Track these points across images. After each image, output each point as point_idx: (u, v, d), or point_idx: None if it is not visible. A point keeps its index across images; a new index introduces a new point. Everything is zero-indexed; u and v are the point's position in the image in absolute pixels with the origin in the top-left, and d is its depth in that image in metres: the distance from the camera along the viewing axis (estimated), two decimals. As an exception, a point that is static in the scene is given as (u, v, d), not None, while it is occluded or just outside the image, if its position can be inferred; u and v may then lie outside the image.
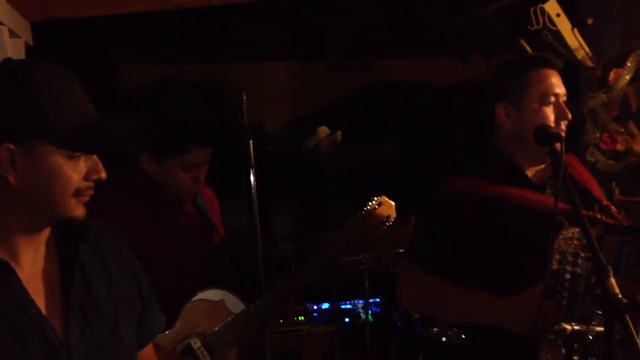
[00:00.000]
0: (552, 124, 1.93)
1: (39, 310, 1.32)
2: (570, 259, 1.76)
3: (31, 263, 1.35)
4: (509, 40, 3.47)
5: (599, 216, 1.91)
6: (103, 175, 1.35)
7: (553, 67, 1.98)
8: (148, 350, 1.60)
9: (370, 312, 3.69)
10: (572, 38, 3.36)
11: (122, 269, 1.49)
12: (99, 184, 1.37)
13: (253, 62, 5.26)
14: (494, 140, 2.04)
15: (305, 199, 4.54)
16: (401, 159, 4.87)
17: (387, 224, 2.43)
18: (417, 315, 3.50)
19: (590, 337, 1.58)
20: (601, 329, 1.57)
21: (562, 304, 1.73)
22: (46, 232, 1.37)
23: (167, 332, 2.20)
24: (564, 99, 1.97)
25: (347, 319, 3.91)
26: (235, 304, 2.32)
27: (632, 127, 3.40)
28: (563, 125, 1.95)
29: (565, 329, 1.60)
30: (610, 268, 1.49)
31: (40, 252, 1.37)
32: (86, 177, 1.33)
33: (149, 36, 4.59)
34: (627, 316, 1.46)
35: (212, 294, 2.30)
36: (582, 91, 3.41)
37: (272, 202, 4.59)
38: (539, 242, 1.77)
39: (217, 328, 2.27)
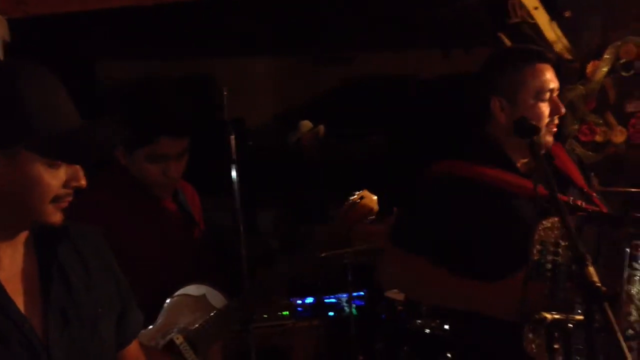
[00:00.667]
0: (547, 119, 1.96)
1: (18, 310, 1.31)
2: (551, 248, 1.78)
3: (10, 263, 1.35)
4: (488, 33, 3.49)
5: (580, 203, 1.94)
6: (83, 183, 1.34)
7: (548, 61, 2.00)
8: (134, 349, 1.60)
9: (354, 305, 3.71)
10: (550, 31, 3.39)
11: (101, 269, 1.49)
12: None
13: (235, 58, 5.25)
14: (486, 130, 2.06)
15: (289, 194, 4.54)
16: (385, 152, 4.89)
17: (370, 217, 2.44)
18: (400, 308, 3.53)
19: (571, 325, 1.60)
20: (581, 317, 1.59)
21: (544, 293, 1.75)
22: (25, 233, 1.37)
23: (149, 327, 2.19)
24: (557, 93, 2.00)
25: (331, 313, 3.92)
26: (217, 299, 2.32)
27: (611, 118, 3.44)
28: (556, 119, 1.99)
29: (546, 317, 1.61)
30: (588, 257, 1.52)
31: (19, 252, 1.37)
32: (65, 185, 1.32)
33: (130, 32, 4.56)
34: (606, 304, 1.49)
35: (194, 289, 2.30)
36: (561, 84, 3.44)
37: (256, 197, 4.59)
38: (524, 227, 1.80)
39: (199, 323, 2.27)
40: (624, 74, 3.40)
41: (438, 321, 3.28)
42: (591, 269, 1.51)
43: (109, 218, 2.13)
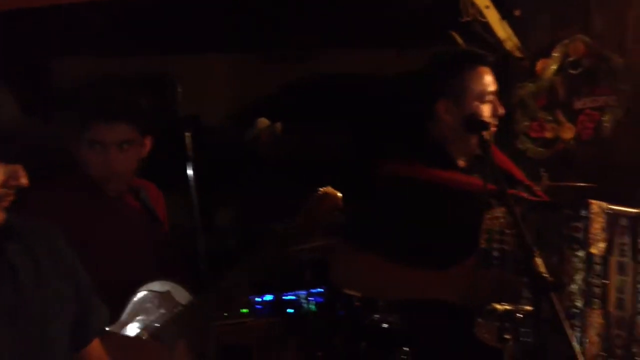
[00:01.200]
0: (488, 119, 2.05)
1: None
2: (497, 237, 1.86)
3: None
4: (441, 32, 3.55)
5: (523, 194, 2.03)
6: (23, 181, 1.32)
7: (487, 64, 2.10)
8: (94, 348, 1.59)
9: (313, 302, 3.73)
10: (501, 29, 3.46)
11: (55, 267, 1.47)
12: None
13: (191, 55, 5.22)
14: (429, 130, 2.14)
15: (247, 191, 4.54)
16: (341, 150, 4.92)
17: (334, 214, 2.46)
18: (358, 304, 3.57)
19: (520, 315, 1.65)
20: (530, 308, 1.64)
21: (493, 280, 1.81)
22: None
23: (113, 324, 2.17)
24: (496, 94, 2.10)
25: (290, 310, 3.93)
26: (182, 295, 2.31)
27: (560, 115, 3.54)
28: (495, 120, 2.09)
29: (497, 309, 1.67)
30: (535, 249, 1.57)
31: None
32: (5, 184, 1.30)
33: (84, 28, 4.50)
34: (553, 295, 1.54)
35: (158, 286, 2.29)
36: (512, 81, 3.52)
37: (214, 195, 4.57)
38: (469, 220, 1.89)
39: (164, 319, 2.25)
40: (572, 71, 3.49)
41: (396, 316, 3.33)
42: (539, 260, 1.57)
43: (64, 214, 2.08)
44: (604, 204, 1.90)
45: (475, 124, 1.98)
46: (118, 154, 2.22)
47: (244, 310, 3.75)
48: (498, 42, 3.44)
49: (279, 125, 4.58)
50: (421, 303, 1.97)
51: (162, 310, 2.27)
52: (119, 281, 2.20)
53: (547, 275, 1.54)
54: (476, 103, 2.04)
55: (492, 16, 3.42)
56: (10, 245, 1.38)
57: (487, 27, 3.42)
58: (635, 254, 1.90)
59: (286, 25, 4.84)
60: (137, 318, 2.25)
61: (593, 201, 1.89)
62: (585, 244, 1.85)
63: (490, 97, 2.07)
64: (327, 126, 4.92)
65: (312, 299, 3.69)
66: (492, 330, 1.76)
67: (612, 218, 1.90)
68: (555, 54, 3.47)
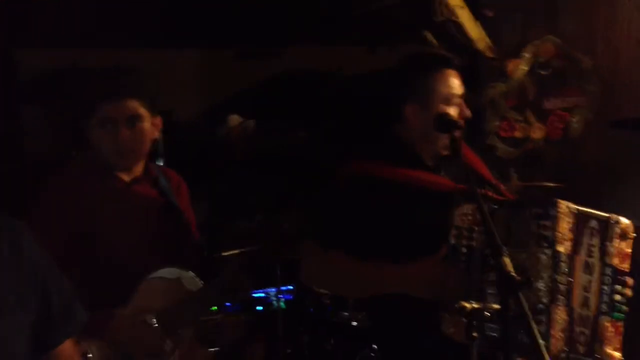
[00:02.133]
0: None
1: None
2: (465, 233, 1.88)
3: None
4: (414, 31, 3.56)
5: (489, 193, 2.06)
6: None
7: (454, 67, 2.13)
8: (65, 350, 1.55)
9: (282, 299, 3.71)
10: (474, 29, 3.48)
11: (13, 265, 1.43)
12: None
13: (162, 49, 5.17)
14: (396, 130, 2.15)
15: (217, 188, 4.51)
16: (310, 148, 4.91)
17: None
18: (328, 301, 3.56)
19: (488, 314, 1.66)
20: (497, 306, 1.65)
21: (460, 276, 1.84)
22: None
23: (120, 309, 2.21)
24: (463, 96, 2.12)
25: (259, 307, 3.91)
26: (193, 283, 2.31)
27: (530, 115, 3.57)
28: (463, 122, 2.11)
29: (465, 307, 1.67)
30: (504, 247, 1.58)
31: None
32: None
33: (52, 19, 4.43)
34: (520, 294, 1.55)
35: (168, 272, 2.30)
36: (483, 81, 3.55)
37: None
38: (436, 217, 1.92)
39: (173, 306, 2.25)
40: (542, 72, 3.53)
41: (364, 313, 3.33)
42: (507, 260, 1.57)
43: (76, 199, 2.20)
44: (572, 205, 1.93)
45: (447, 123, 2.00)
46: (128, 130, 2.26)
47: (213, 308, 3.72)
48: (470, 42, 3.46)
49: (251, 122, 4.56)
50: (388, 300, 1.98)
51: (171, 297, 2.27)
52: (125, 266, 2.25)
53: (514, 275, 1.55)
54: (442, 106, 2.07)
55: (465, 16, 3.44)
56: None
57: (459, 27, 3.43)
58: (602, 255, 1.94)
59: (258, 21, 4.82)
60: (145, 304, 2.24)
61: (561, 201, 1.91)
62: (552, 242, 1.87)
63: (457, 100, 2.09)
64: (297, 124, 4.91)
65: (282, 296, 3.67)
66: (459, 325, 1.78)
67: (581, 218, 1.92)
68: (525, 55, 3.50)
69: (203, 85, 5.44)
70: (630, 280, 2.00)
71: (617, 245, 1.96)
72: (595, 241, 1.94)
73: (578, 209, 1.93)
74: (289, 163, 4.62)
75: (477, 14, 3.49)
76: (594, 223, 1.94)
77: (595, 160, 3.53)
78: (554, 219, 1.88)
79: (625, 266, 1.99)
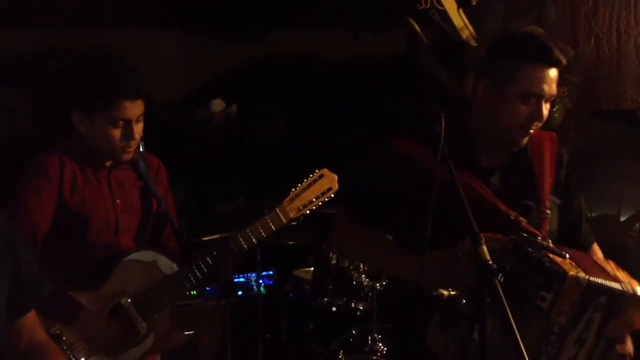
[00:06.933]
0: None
1: None
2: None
3: None
4: (398, 17, 3.55)
5: (521, 220, 1.90)
6: None
7: (553, 65, 1.91)
8: (30, 319, 1.61)
9: (262, 284, 3.72)
10: (458, 18, 3.49)
11: None
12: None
13: (142, 31, 5.11)
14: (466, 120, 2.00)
15: (197, 172, 4.49)
16: (293, 132, 4.90)
17: (329, 195, 2.47)
18: (307, 287, 3.57)
19: (464, 300, 1.67)
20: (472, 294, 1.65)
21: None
22: None
23: (94, 290, 2.23)
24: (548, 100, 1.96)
25: (239, 292, 3.92)
26: (168, 266, 2.32)
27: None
28: (534, 125, 1.97)
29: (443, 294, 1.68)
30: (482, 235, 1.59)
31: None
32: None
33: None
34: (496, 281, 1.56)
35: (144, 255, 2.31)
36: (467, 70, 3.55)
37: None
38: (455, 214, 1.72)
39: (148, 288, 2.27)
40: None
41: (344, 299, 3.34)
42: (484, 248, 1.58)
43: (59, 178, 2.21)
44: (584, 278, 1.74)
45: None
46: (137, 126, 2.26)
47: (193, 292, 3.72)
48: (454, 31, 3.46)
49: (233, 107, 4.54)
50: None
51: (146, 280, 2.28)
52: (105, 248, 2.28)
53: (490, 263, 1.56)
54: (516, 101, 1.89)
55: (449, 4, 3.44)
56: None
57: (444, 15, 3.43)
58: (601, 330, 1.80)
59: (242, 4, 4.78)
60: (120, 286, 2.25)
61: (572, 275, 1.72)
62: (546, 315, 1.73)
63: (534, 101, 1.91)
64: (279, 109, 4.90)
65: (262, 281, 3.68)
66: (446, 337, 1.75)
67: (590, 292, 1.75)
68: (509, 44, 3.50)
69: (185, 68, 5.40)
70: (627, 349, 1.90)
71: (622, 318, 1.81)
72: (597, 315, 1.78)
73: (590, 282, 1.74)
74: (270, 147, 4.61)
75: (460, 3, 3.49)
76: (602, 299, 1.77)
77: (574, 149, 3.56)
78: (557, 293, 1.72)
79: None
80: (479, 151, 1.97)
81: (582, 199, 2.12)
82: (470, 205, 1.65)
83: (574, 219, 2.08)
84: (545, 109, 1.92)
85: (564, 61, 1.92)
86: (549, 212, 1.97)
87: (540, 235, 1.90)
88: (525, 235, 1.84)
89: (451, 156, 1.72)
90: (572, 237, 2.05)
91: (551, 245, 1.84)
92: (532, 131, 1.94)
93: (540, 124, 1.94)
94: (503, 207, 1.91)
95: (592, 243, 2.14)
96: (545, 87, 1.89)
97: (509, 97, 1.89)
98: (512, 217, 1.90)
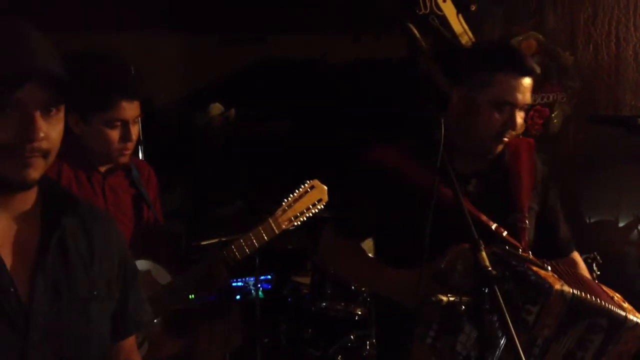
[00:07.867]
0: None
1: (6, 272, 1.26)
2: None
3: (6, 228, 1.29)
4: (398, 21, 3.55)
5: (501, 232, 1.90)
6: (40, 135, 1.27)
7: (528, 76, 1.92)
8: (129, 344, 1.55)
9: (261, 288, 3.72)
10: (457, 23, 3.49)
11: (106, 252, 1.44)
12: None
13: (143, 34, 5.11)
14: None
15: (195, 176, 4.49)
16: (292, 136, 4.91)
17: (319, 207, 2.47)
18: (306, 291, 3.57)
19: (463, 307, 1.66)
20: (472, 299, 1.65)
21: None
22: (23, 198, 1.32)
23: None
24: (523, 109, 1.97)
25: (238, 297, 3.92)
26: (162, 275, 2.32)
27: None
28: (508, 134, 1.98)
29: (442, 300, 1.67)
30: (482, 242, 1.58)
31: (19, 219, 1.31)
32: (19, 137, 1.25)
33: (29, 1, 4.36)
34: (496, 287, 1.56)
35: (138, 264, 2.28)
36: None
37: (162, 178, 4.50)
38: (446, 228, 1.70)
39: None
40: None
41: (343, 304, 3.34)
42: (484, 254, 1.58)
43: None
44: (568, 292, 1.72)
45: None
46: (134, 128, 2.25)
47: (191, 296, 3.71)
48: (454, 36, 3.46)
49: (232, 111, 4.54)
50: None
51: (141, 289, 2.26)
52: None
53: (490, 269, 1.56)
54: (490, 108, 1.91)
55: (449, 10, 3.44)
56: (69, 218, 1.36)
57: (443, 20, 3.44)
58: (599, 355, 1.77)
59: (242, 7, 4.78)
60: None
61: (557, 289, 1.71)
62: (532, 327, 1.72)
63: (508, 109, 1.92)
64: (281, 112, 4.90)
65: (260, 285, 3.67)
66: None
67: (572, 306, 1.73)
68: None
69: (184, 71, 5.40)
70: None
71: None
72: (596, 338, 1.75)
73: (574, 295, 1.71)
74: (269, 150, 4.61)
75: (460, 8, 3.50)
76: (603, 322, 1.74)
77: (573, 155, 3.56)
78: (542, 306, 1.70)
79: None
80: (455, 158, 1.94)
81: (558, 205, 2.12)
82: (449, 214, 1.61)
83: (550, 225, 2.08)
84: (520, 117, 1.93)
85: (537, 70, 1.94)
86: (527, 222, 1.97)
87: (521, 247, 1.89)
88: (506, 247, 1.84)
89: (429, 162, 1.71)
90: (548, 244, 2.04)
91: (531, 257, 1.83)
92: (506, 139, 1.95)
93: (514, 133, 1.96)
94: (484, 218, 1.91)
95: (571, 251, 2.12)
96: (519, 96, 1.91)
97: (483, 105, 1.91)
98: (492, 228, 1.90)
